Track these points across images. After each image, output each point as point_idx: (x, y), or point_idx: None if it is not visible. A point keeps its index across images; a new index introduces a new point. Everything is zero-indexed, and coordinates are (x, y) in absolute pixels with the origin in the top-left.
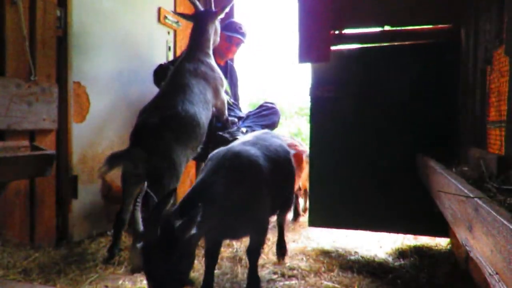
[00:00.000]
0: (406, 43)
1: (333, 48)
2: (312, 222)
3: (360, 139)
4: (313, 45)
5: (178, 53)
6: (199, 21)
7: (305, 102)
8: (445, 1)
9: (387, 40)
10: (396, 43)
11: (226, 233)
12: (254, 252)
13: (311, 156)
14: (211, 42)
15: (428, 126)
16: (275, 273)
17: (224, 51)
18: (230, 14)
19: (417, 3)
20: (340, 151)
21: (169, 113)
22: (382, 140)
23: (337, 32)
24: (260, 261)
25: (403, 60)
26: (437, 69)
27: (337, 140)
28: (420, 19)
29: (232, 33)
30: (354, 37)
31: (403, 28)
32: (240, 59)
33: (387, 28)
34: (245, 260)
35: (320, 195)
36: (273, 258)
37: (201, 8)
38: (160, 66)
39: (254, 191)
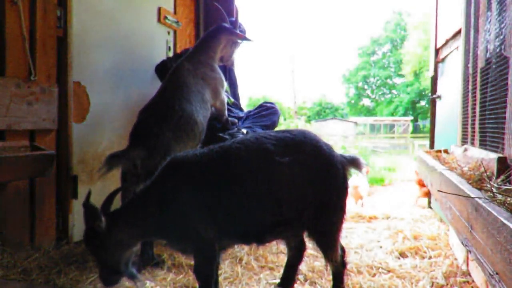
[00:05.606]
0: None
1: None
2: None
3: None
4: None
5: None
6: (214, 31)
7: (305, 103)
8: None
9: None
10: None
11: (173, 245)
12: (195, 273)
13: None
14: (218, 51)
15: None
16: (274, 275)
17: None
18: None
19: None
20: None
21: (167, 112)
22: None
23: None
24: (259, 263)
25: None
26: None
27: None
28: None
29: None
30: None
31: None
32: (240, 59)
33: None
34: (246, 260)
35: None
36: (272, 259)
37: (228, 22)
38: (162, 63)
39: (175, 200)
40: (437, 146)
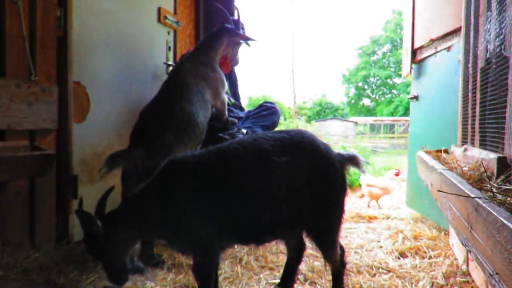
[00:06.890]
0: None
1: None
2: None
3: None
4: None
5: (178, 53)
6: (217, 32)
7: (305, 103)
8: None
9: None
10: None
11: (172, 245)
12: (194, 273)
13: None
14: (219, 51)
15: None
16: (274, 275)
17: None
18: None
19: None
20: None
21: (168, 112)
22: None
23: None
24: (259, 263)
25: None
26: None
27: None
28: None
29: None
30: None
31: None
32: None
33: None
34: (246, 260)
35: None
36: (272, 259)
37: (231, 22)
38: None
39: (175, 201)
40: (412, 148)
